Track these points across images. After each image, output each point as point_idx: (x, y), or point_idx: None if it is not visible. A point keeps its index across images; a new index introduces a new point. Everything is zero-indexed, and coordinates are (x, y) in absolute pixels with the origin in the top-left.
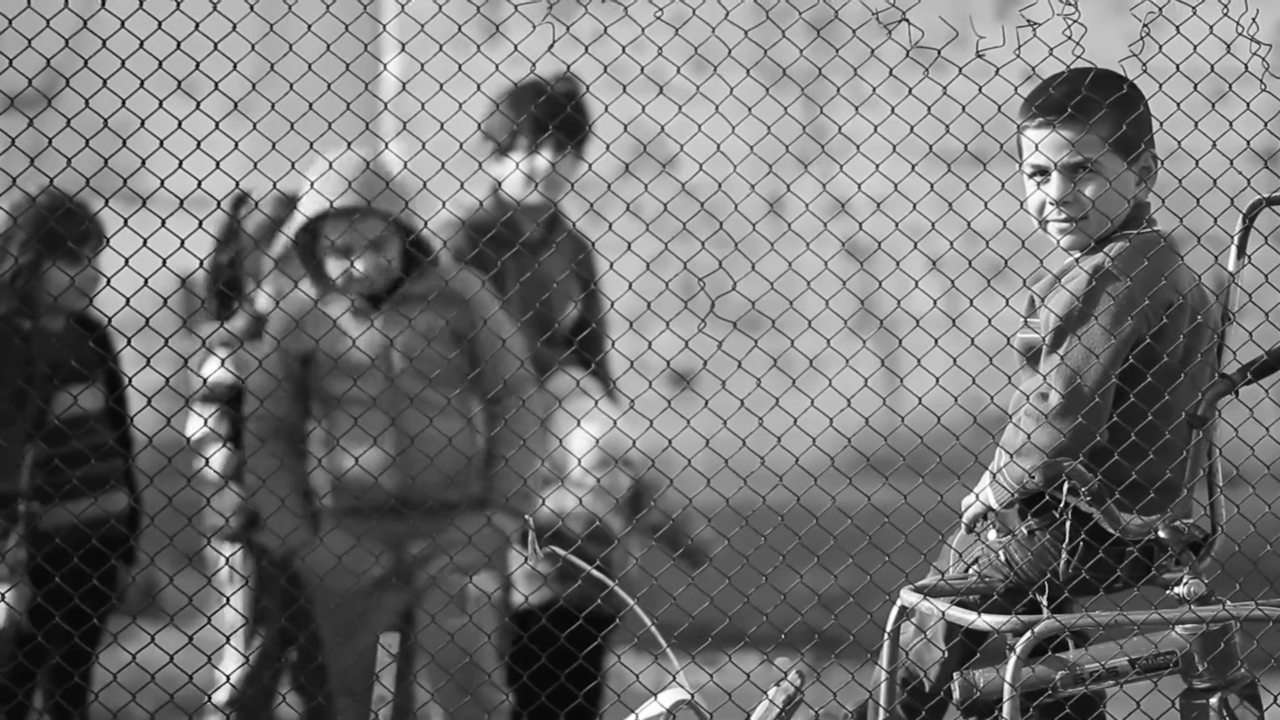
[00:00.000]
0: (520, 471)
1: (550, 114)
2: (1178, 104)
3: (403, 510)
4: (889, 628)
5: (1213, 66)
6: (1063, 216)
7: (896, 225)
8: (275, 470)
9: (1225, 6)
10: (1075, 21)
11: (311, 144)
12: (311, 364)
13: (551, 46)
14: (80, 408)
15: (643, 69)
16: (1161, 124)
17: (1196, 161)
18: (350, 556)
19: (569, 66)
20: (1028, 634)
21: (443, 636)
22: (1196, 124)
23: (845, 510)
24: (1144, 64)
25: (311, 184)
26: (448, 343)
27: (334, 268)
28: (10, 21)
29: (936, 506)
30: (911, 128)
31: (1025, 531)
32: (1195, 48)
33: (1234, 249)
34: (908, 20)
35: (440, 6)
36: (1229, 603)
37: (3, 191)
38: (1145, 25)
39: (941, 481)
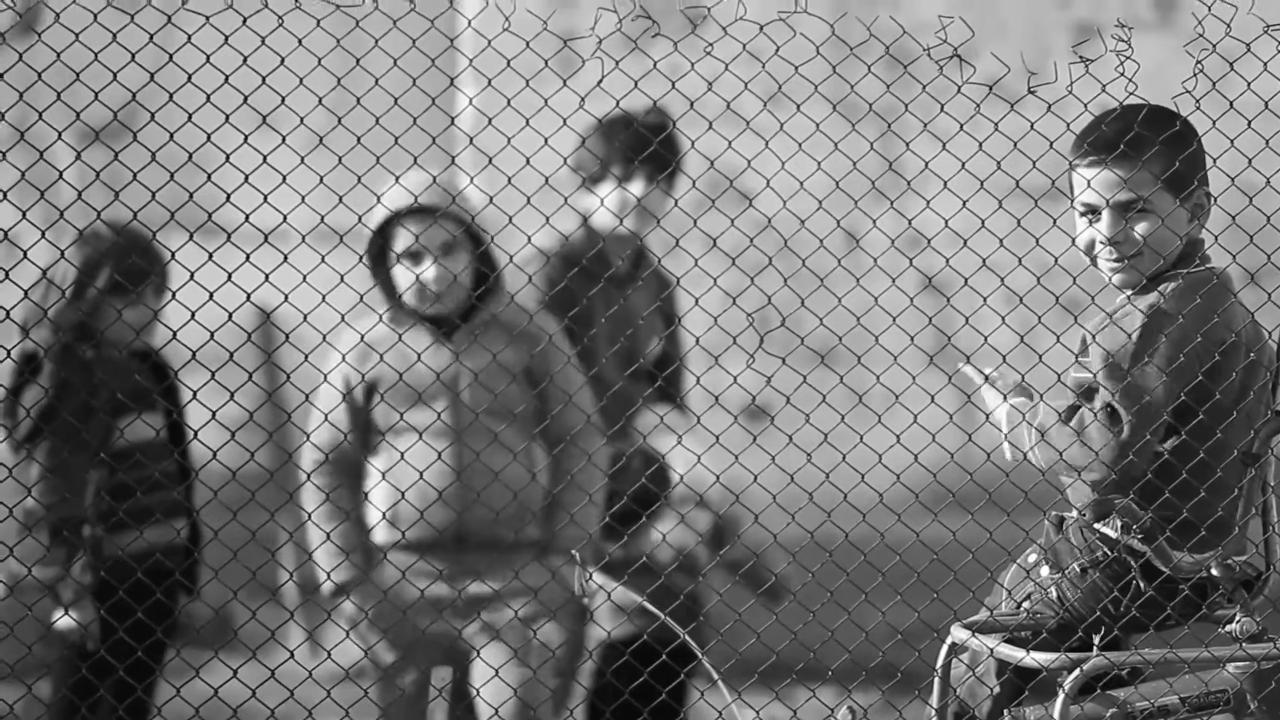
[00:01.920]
0: (581, 521)
1: (640, 146)
2: (1231, 141)
3: (454, 545)
4: (939, 664)
5: (1266, 104)
6: (1114, 255)
7: (984, 262)
8: (324, 503)
9: (1279, 44)
10: (1128, 58)
11: (397, 179)
12: (376, 392)
13: (638, 84)
14: (137, 437)
15: (728, 105)
16: (1215, 160)
17: (1250, 199)
18: (400, 591)
19: (655, 102)
20: (1076, 671)
21: (503, 689)
22: (1250, 161)
23: (930, 545)
24: (1197, 101)
25: (378, 199)
26: (514, 378)
27: (403, 278)
28: (96, 55)
29: (986, 543)
30: (998, 164)
31: (1077, 569)
32: (1249, 84)
33: None
34: (960, 56)
35: (527, 43)
36: None
37: (87, 225)
38: (1199, 62)
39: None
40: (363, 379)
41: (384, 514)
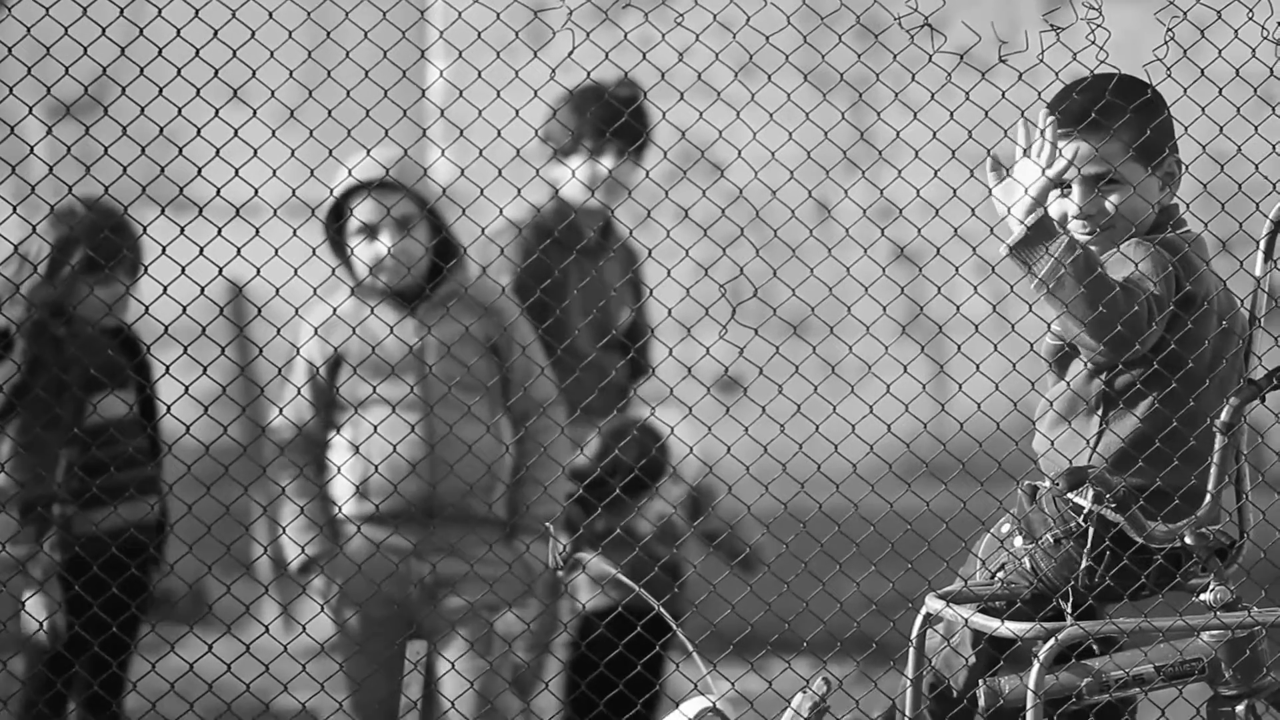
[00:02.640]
0: (550, 491)
1: (611, 119)
2: (1202, 109)
3: (423, 517)
4: (914, 634)
5: (1238, 71)
6: (1086, 226)
7: (955, 231)
8: (296, 479)
9: (1250, 11)
10: (1099, 26)
11: (368, 151)
12: (340, 367)
13: (608, 55)
14: (110, 414)
15: (699, 75)
16: (1186, 129)
17: (1221, 166)
18: (370, 564)
19: (626, 73)
20: (1051, 641)
21: (464, 677)
22: (1221, 129)
23: (904, 515)
24: (1168, 69)
25: (350, 171)
26: (480, 351)
27: (360, 252)
28: (66, 30)
29: (959, 513)
30: (970, 133)
31: (1050, 539)
32: (1220, 52)
33: (1260, 253)
34: (931, 26)
35: (498, 15)
36: (1255, 609)
37: (58, 200)
38: (1170, 30)
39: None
40: (333, 352)
41: (357, 487)
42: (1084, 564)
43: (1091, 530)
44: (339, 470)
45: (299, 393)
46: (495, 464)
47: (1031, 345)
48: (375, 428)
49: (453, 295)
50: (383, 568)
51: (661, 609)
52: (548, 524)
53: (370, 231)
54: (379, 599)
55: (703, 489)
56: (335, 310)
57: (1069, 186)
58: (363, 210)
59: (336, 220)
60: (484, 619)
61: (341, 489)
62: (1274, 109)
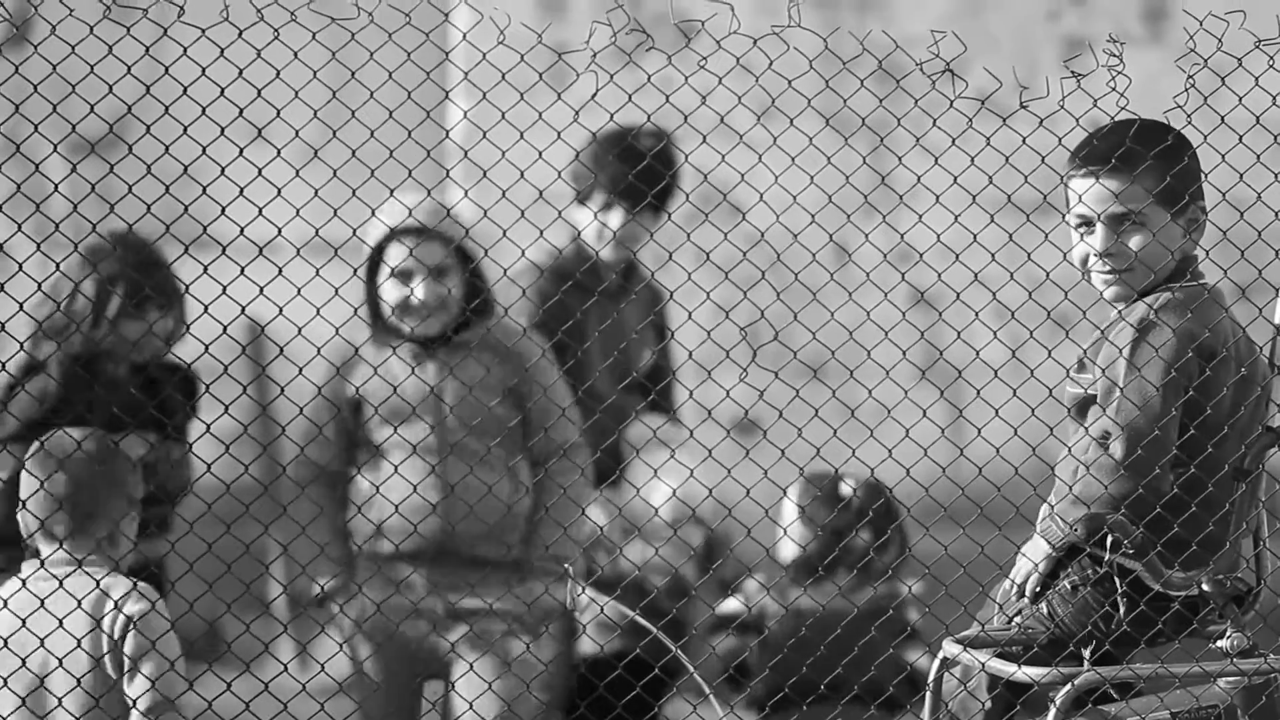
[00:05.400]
0: (570, 533)
1: (623, 176)
2: (1223, 156)
3: (440, 559)
4: (931, 678)
5: (1258, 119)
6: (1106, 268)
7: (975, 276)
8: (315, 517)
9: (1271, 58)
10: (1119, 73)
11: (392, 191)
12: (360, 409)
13: (631, 97)
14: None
15: (722, 118)
16: (1206, 175)
17: (1241, 214)
18: (387, 602)
19: (649, 116)
20: (1068, 686)
21: (483, 705)
22: (1241, 176)
23: (922, 559)
24: (1189, 115)
25: (373, 213)
26: (499, 396)
27: (392, 294)
28: (92, 68)
29: (977, 557)
30: (990, 178)
31: (1069, 586)
32: (1241, 99)
33: (1279, 301)
34: (952, 71)
35: (521, 56)
36: (1272, 656)
37: (81, 239)
38: (1190, 77)
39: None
40: (354, 393)
41: (377, 526)
42: (1102, 610)
43: (1110, 576)
44: (359, 510)
45: (320, 431)
46: (512, 508)
47: (1050, 391)
48: (395, 469)
49: (474, 339)
50: (400, 606)
51: (678, 650)
52: (567, 565)
53: (406, 275)
54: (396, 637)
55: (719, 533)
56: (357, 350)
57: (1091, 227)
58: (400, 252)
59: (373, 264)
60: (499, 653)
61: (360, 528)
62: None
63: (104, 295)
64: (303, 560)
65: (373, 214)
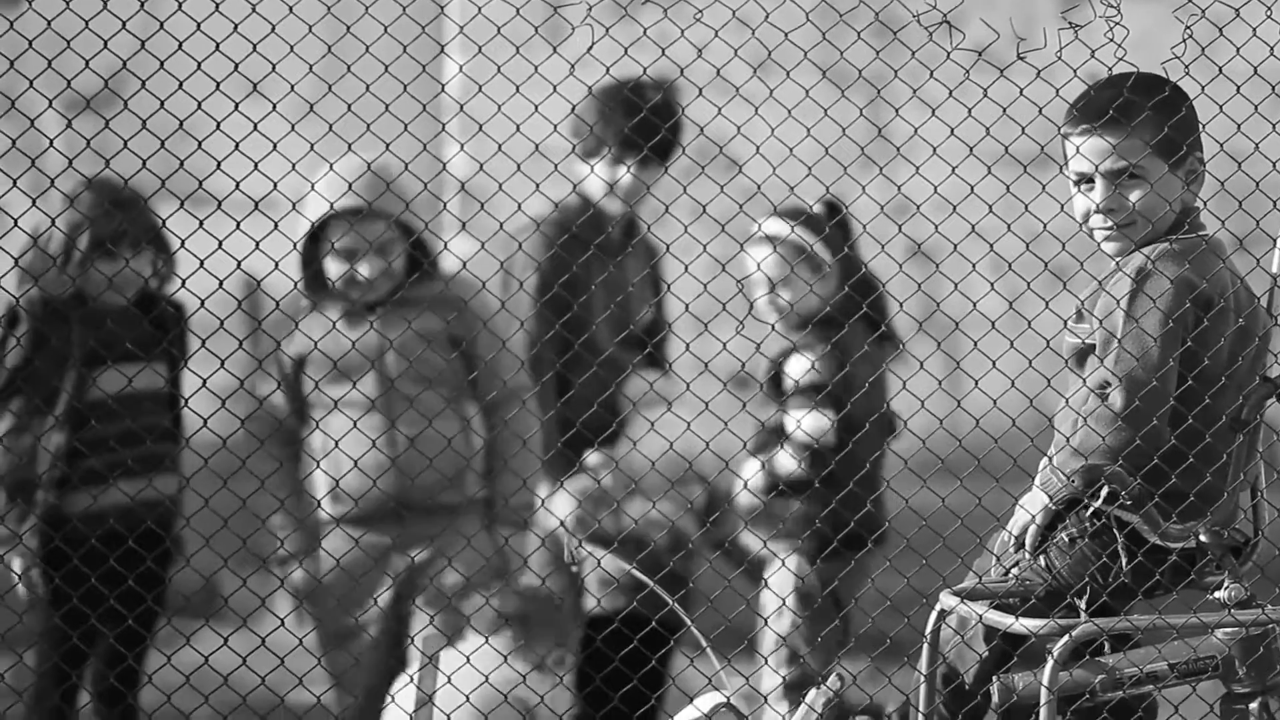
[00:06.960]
0: (521, 473)
1: (638, 128)
2: (1220, 107)
3: (402, 513)
4: (928, 630)
5: (1256, 69)
6: (1107, 223)
7: (973, 228)
8: (274, 472)
9: (1269, 9)
10: (1117, 24)
11: (387, 145)
12: (306, 367)
13: (627, 50)
14: (111, 389)
15: (718, 71)
16: (1204, 127)
17: (1239, 164)
18: (350, 561)
19: (645, 70)
20: (1065, 637)
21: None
22: (1239, 127)
23: (919, 512)
24: (1186, 67)
25: (312, 185)
26: (444, 346)
27: (335, 269)
28: (87, 23)
29: (974, 509)
30: (987, 130)
31: (1066, 538)
32: (1238, 50)
33: (1277, 251)
34: (950, 23)
35: (517, 10)
36: (1269, 606)
37: (78, 193)
38: (1188, 28)
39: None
40: (302, 354)
41: (336, 483)
42: (1099, 562)
43: (1106, 529)
44: (317, 465)
45: (280, 386)
46: (461, 452)
47: (1048, 342)
48: (354, 426)
49: (410, 299)
50: (361, 565)
51: (676, 605)
52: (563, 521)
53: (349, 255)
54: (357, 596)
55: (716, 488)
56: (297, 323)
57: (1091, 182)
58: (341, 230)
59: (308, 240)
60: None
61: (317, 491)
62: None
63: (74, 235)
64: (263, 516)
65: (312, 187)
